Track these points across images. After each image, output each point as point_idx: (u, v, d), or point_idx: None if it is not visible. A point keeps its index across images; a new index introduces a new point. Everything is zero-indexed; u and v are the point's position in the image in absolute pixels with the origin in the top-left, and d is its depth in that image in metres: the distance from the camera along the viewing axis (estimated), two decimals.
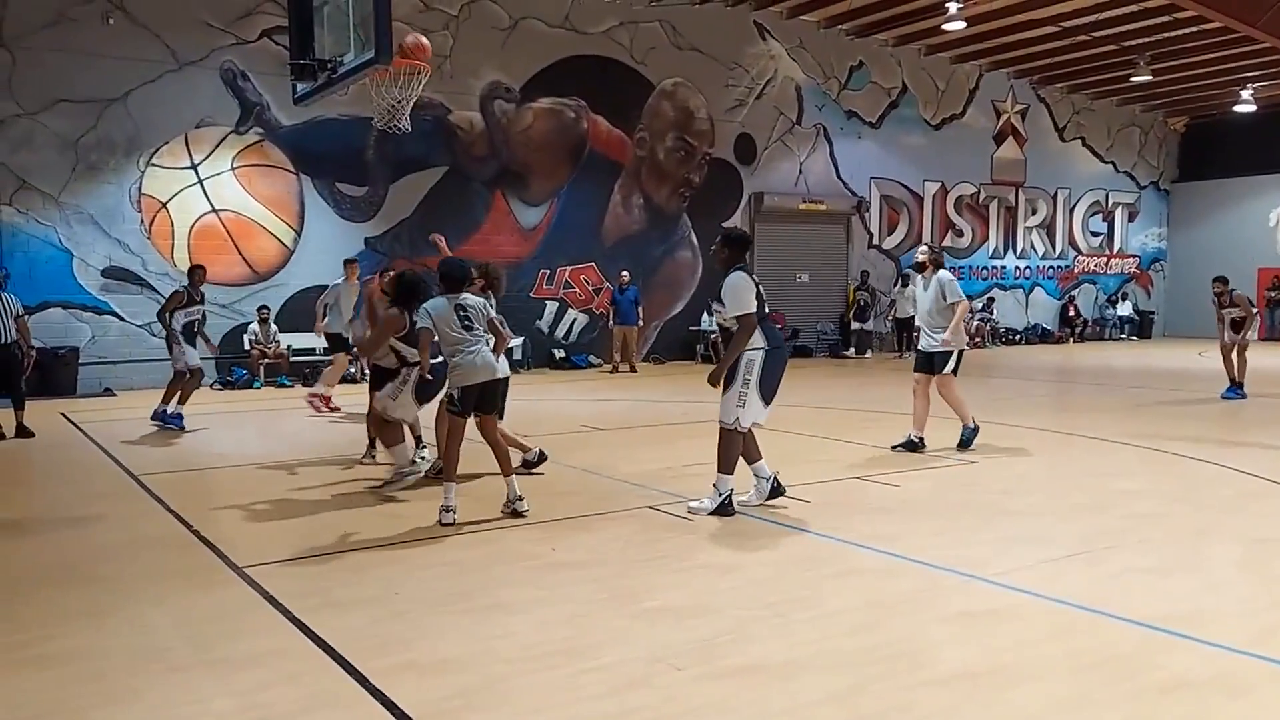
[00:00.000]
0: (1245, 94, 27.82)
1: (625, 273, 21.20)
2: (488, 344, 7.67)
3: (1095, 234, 31.73)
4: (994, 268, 29.28)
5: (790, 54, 24.40)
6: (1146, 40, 23.90)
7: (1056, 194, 30.47)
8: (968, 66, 27.51)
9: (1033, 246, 30.13)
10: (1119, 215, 32.22)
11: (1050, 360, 23.65)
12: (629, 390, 17.09)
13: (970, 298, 27.97)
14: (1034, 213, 30.07)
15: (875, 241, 26.52)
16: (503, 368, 7.74)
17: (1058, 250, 30.78)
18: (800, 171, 24.92)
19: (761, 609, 5.46)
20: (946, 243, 27.93)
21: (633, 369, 20.77)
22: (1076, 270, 31.27)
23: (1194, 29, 22.80)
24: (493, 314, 7.86)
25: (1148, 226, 33.02)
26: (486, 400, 7.68)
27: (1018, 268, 29.86)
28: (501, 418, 7.95)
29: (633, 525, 7.36)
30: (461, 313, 7.54)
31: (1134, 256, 32.82)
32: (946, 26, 22.91)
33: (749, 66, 23.83)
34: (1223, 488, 8.72)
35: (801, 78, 24.67)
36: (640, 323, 21.23)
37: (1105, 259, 32.02)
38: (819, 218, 25.25)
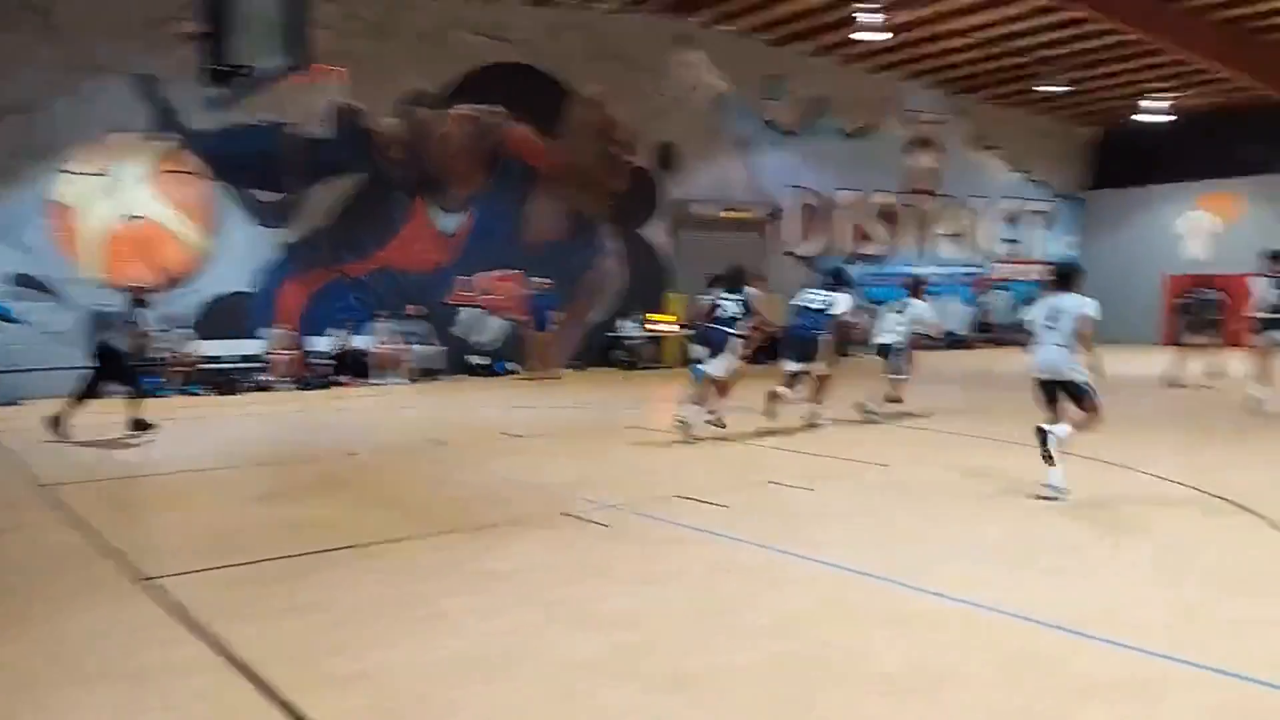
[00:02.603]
0: (1155, 104, 28.38)
1: (541, 279, 21.18)
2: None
3: (1010, 241, 32.22)
4: (908, 275, 29.58)
5: (711, 63, 24.55)
6: (1059, 52, 24.39)
7: (971, 202, 30.93)
8: (885, 76, 27.86)
9: (947, 254, 30.54)
10: (1033, 223, 32.77)
11: (965, 364, 23.97)
12: (548, 397, 17.01)
13: (882, 304, 28.51)
14: (948, 220, 30.48)
15: (790, 249, 26.70)
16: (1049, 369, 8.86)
17: (972, 258, 31.24)
18: (720, 180, 25.05)
19: (688, 618, 5.49)
20: (868, 250, 28.22)
21: (552, 376, 20.70)
22: (991, 277, 31.76)
23: (1107, 40, 23.28)
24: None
25: (1062, 234, 33.62)
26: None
27: (932, 275, 30.22)
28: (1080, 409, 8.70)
29: (557, 533, 7.36)
30: (1053, 312, 8.72)
31: (1048, 263, 33.30)
32: (865, 37, 23.13)
33: (670, 75, 23.93)
34: (1135, 491, 8.93)
35: (722, 87, 24.82)
36: (556, 328, 21.21)
37: (1019, 266, 32.54)
38: (739, 225, 25.41)
